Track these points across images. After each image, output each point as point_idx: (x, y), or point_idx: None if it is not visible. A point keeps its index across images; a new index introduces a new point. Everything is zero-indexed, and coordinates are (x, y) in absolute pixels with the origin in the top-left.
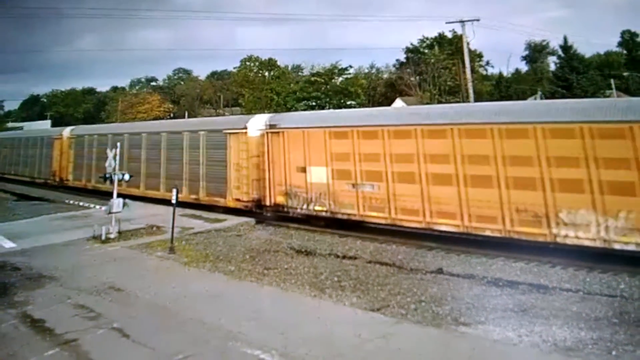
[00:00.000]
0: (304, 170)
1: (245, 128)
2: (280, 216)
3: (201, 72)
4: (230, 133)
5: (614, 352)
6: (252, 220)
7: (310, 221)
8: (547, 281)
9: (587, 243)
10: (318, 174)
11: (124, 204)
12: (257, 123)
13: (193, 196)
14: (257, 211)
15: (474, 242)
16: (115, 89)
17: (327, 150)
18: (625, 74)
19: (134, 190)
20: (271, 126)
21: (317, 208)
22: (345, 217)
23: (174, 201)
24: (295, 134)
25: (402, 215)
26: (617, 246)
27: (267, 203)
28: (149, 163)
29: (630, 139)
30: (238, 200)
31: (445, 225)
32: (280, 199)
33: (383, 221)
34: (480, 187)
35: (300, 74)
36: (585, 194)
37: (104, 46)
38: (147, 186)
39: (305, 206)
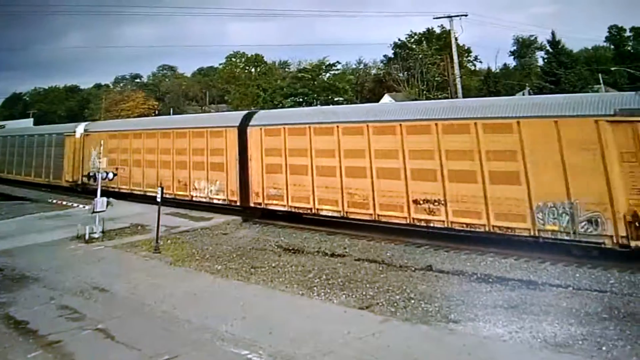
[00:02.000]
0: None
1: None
2: (268, 214)
3: (187, 69)
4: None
5: (604, 348)
6: (238, 219)
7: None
8: (537, 277)
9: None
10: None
11: (108, 203)
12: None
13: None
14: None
15: (463, 238)
16: (99, 86)
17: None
18: (612, 68)
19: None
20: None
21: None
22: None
23: (159, 199)
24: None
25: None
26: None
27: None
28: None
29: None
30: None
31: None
32: None
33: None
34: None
35: (287, 70)
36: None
37: (88, 43)
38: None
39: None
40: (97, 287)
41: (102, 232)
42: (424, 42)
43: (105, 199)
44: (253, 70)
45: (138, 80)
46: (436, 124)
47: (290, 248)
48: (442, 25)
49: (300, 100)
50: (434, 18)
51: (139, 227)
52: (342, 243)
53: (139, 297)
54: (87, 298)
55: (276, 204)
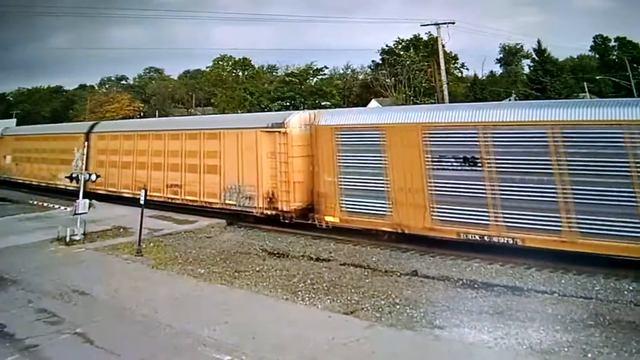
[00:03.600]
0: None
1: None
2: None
3: (173, 71)
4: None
5: (589, 355)
6: (223, 222)
7: None
8: (523, 283)
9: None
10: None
11: (90, 205)
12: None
13: None
14: None
15: (447, 243)
16: (84, 87)
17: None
18: (597, 77)
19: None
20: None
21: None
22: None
23: (142, 202)
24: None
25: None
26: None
27: None
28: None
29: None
30: None
31: (191, 202)
32: None
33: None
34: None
35: (275, 74)
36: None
37: (74, 44)
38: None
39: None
40: (77, 290)
41: (84, 234)
42: (412, 48)
43: (87, 200)
44: (240, 73)
45: (124, 82)
46: (183, 134)
47: (275, 252)
48: (429, 32)
49: (287, 104)
50: (421, 25)
51: (121, 230)
52: (327, 247)
53: (119, 300)
54: (66, 301)
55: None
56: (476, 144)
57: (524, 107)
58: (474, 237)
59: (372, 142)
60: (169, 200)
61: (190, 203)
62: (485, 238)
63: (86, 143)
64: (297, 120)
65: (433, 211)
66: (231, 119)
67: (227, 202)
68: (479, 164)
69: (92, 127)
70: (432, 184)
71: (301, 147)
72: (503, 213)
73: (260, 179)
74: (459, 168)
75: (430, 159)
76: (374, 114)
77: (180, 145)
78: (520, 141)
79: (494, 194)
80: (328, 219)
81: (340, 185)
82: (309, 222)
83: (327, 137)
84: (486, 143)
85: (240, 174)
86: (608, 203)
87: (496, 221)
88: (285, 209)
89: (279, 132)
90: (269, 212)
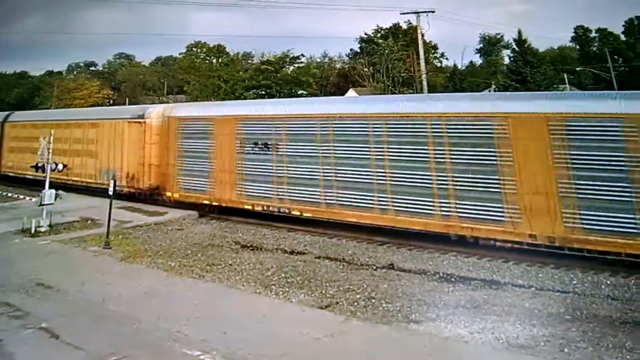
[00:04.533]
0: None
1: None
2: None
3: (145, 57)
4: None
5: (566, 349)
6: (195, 214)
7: None
8: (500, 277)
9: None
10: None
11: (57, 196)
12: None
13: None
14: None
15: (421, 236)
16: (51, 73)
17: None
18: (578, 68)
19: None
20: None
21: None
22: None
23: (111, 192)
24: None
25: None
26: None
27: None
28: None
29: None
30: None
31: (75, 182)
32: None
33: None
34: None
35: (250, 62)
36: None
37: (41, 28)
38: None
39: None
40: (42, 283)
41: (50, 225)
42: (391, 37)
43: (53, 191)
44: (214, 61)
45: (93, 68)
46: (72, 124)
47: (249, 245)
48: (408, 20)
49: (263, 92)
50: (400, 13)
51: (89, 221)
52: (302, 240)
53: (86, 294)
54: (31, 295)
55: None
56: (271, 133)
57: (307, 103)
58: (264, 208)
59: (203, 131)
60: (60, 181)
61: (75, 183)
62: (270, 209)
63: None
64: (155, 112)
65: (238, 187)
66: (109, 111)
67: (99, 181)
68: (270, 149)
69: (7, 117)
70: (239, 165)
71: (158, 135)
72: (282, 188)
73: (124, 162)
74: (256, 152)
75: (239, 145)
76: (207, 107)
77: (69, 133)
78: (304, 130)
79: (280, 173)
80: (169, 194)
81: (179, 167)
82: (157, 197)
83: (173, 127)
84: (278, 132)
85: (111, 157)
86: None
87: (277, 196)
88: (141, 187)
89: (140, 122)
90: (130, 190)
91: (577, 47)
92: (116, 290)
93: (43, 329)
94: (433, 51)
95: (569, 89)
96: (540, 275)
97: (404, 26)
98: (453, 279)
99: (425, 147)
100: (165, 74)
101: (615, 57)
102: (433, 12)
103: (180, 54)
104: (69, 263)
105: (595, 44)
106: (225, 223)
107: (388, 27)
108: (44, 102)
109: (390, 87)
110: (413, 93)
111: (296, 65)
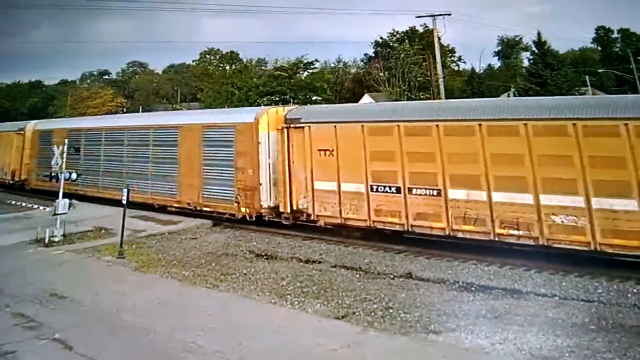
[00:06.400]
0: None
1: None
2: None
3: (158, 65)
4: None
5: None
6: (209, 222)
7: None
8: (522, 286)
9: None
10: None
11: (70, 205)
12: None
13: None
14: None
15: (440, 244)
16: (65, 82)
17: None
18: (600, 70)
19: None
20: None
21: None
22: None
23: (124, 202)
24: None
25: None
26: None
27: None
28: None
29: None
30: None
31: None
32: None
33: None
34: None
35: (264, 68)
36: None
37: (55, 38)
38: None
39: None
40: (56, 294)
41: (63, 235)
42: (406, 41)
43: (67, 200)
44: (228, 67)
45: (106, 76)
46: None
47: (263, 254)
48: (424, 24)
49: (277, 99)
50: (416, 17)
51: (103, 231)
52: (317, 249)
53: (100, 305)
54: (45, 306)
55: None
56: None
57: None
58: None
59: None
60: None
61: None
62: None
63: None
64: (30, 127)
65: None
66: (15, 124)
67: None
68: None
69: None
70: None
71: (32, 143)
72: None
73: (11, 162)
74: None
75: None
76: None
77: None
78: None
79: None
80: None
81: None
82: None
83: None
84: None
85: (7, 159)
86: None
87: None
88: (18, 180)
89: (20, 134)
90: (14, 181)
91: (599, 48)
92: (130, 301)
93: (57, 340)
94: (450, 55)
95: (591, 91)
96: (564, 283)
97: (420, 29)
98: (473, 288)
99: (148, 148)
100: (178, 81)
101: (639, 57)
102: (449, 14)
103: (193, 61)
104: (83, 273)
105: (618, 45)
106: (239, 232)
107: (404, 30)
108: (58, 111)
109: (406, 92)
110: (430, 98)
111: (310, 70)
